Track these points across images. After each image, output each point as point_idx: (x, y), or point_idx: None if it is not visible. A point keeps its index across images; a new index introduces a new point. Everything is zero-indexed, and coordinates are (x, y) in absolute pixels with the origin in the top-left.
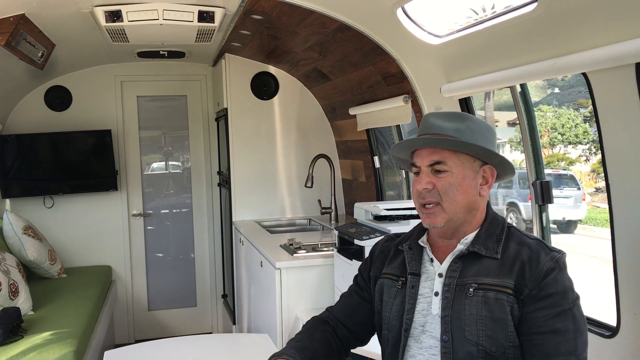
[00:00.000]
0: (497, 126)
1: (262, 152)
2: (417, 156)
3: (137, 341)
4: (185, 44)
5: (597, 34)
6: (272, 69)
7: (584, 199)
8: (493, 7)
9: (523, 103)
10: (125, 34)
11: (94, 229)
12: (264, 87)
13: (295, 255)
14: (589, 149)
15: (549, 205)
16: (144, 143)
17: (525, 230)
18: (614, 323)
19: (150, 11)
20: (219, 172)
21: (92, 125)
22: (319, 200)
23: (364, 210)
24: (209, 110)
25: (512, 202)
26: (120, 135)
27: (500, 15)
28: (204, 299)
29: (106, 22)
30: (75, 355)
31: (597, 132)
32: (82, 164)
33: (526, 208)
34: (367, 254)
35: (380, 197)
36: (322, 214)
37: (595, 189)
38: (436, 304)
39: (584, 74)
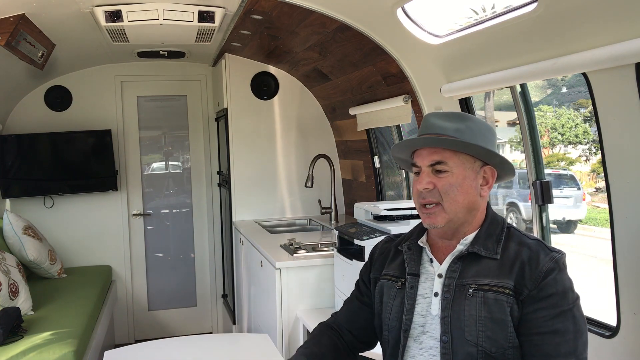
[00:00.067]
0: (497, 126)
1: (262, 152)
2: (417, 156)
3: (137, 341)
4: (185, 44)
5: (597, 34)
6: (272, 69)
7: (584, 199)
8: (493, 7)
9: (523, 103)
10: (125, 34)
11: (94, 229)
12: (264, 87)
13: (295, 255)
14: (589, 149)
15: (549, 205)
16: (144, 143)
17: (525, 230)
18: (614, 323)
19: (150, 11)
20: (219, 172)
21: (92, 125)
22: (319, 200)
23: (364, 210)
24: (209, 110)
25: (512, 202)
26: (120, 135)
27: (500, 15)
28: (204, 299)
29: (106, 22)
30: (75, 355)
31: (597, 132)
32: (82, 164)
33: (526, 208)
34: (367, 254)
35: (380, 197)
36: (322, 214)
37: (595, 189)
38: (436, 305)
39: (584, 74)
